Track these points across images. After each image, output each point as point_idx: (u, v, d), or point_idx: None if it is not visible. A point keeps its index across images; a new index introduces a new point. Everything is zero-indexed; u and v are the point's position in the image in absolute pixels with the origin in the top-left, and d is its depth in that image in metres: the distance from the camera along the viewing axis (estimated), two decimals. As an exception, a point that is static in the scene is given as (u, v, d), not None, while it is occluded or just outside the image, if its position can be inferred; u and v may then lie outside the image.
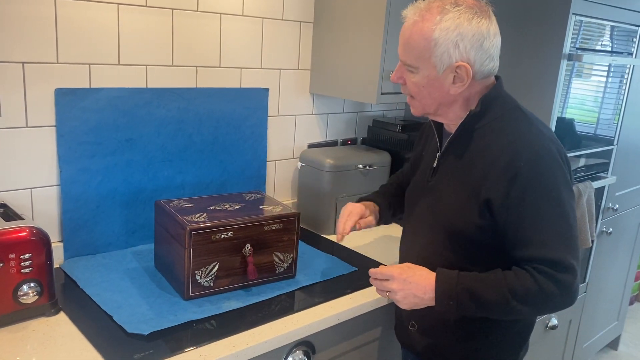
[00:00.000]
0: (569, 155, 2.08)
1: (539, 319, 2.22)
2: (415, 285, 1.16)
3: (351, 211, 1.43)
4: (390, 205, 1.49)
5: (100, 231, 1.55)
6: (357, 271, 1.57)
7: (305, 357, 1.31)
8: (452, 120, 1.21)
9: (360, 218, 1.42)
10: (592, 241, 2.32)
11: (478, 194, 1.13)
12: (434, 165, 1.25)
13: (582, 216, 2.12)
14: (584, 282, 2.50)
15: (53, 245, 1.46)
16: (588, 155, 2.22)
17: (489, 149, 1.14)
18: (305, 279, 1.49)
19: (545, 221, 1.09)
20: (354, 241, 1.81)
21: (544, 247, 1.09)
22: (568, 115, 2.07)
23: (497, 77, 1.20)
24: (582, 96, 2.13)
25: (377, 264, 1.63)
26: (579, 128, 2.17)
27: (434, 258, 1.20)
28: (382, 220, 1.48)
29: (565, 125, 2.05)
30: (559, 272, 1.08)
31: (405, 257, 1.35)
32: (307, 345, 1.32)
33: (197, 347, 1.15)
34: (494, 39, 1.12)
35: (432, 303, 1.14)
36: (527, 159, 1.09)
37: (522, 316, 1.19)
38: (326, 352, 1.39)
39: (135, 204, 1.61)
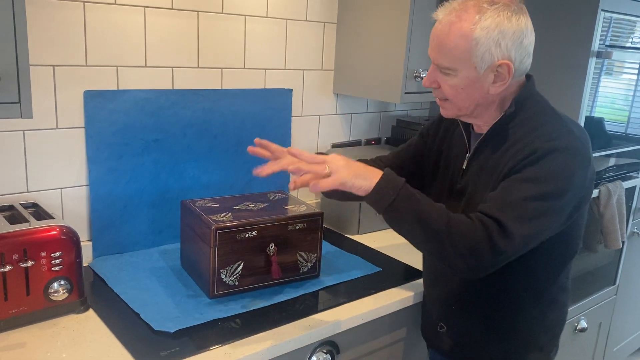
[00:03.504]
0: (598, 154, 2.05)
1: (568, 321, 2.18)
2: (358, 164, 1.10)
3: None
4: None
5: (127, 230, 1.58)
6: (382, 271, 1.56)
7: (329, 357, 1.31)
8: (486, 122, 1.19)
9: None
10: (623, 242, 2.27)
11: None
12: (464, 167, 1.23)
13: (611, 217, 2.08)
14: (614, 284, 2.45)
15: (82, 244, 1.50)
16: (618, 155, 2.18)
17: (516, 143, 1.12)
18: (329, 279, 1.49)
19: (517, 193, 1.05)
20: (378, 241, 1.80)
21: (495, 204, 1.06)
22: (597, 114, 2.04)
23: (527, 76, 1.18)
24: (612, 94, 2.09)
25: (401, 265, 1.62)
26: (608, 127, 2.13)
27: None
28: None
29: (594, 124, 2.01)
30: (497, 230, 1.03)
31: (429, 261, 1.33)
32: (331, 345, 1.32)
33: (222, 345, 1.16)
34: (531, 36, 1.11)
35: (371, 183, 1.07)
36: (546, 147, 1.07)
37: (440, 253, 1.08)
38: (350, 352, 1.39)
39: (162, 203, 1.63)
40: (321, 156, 1.10)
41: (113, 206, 1.54)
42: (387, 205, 1.08)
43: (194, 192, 1.67)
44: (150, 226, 1.62)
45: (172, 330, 1.19)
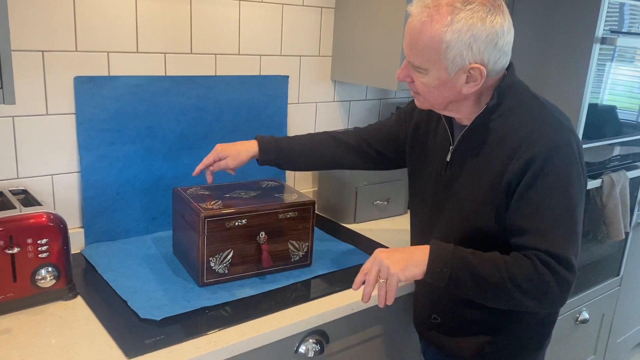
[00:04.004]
0: (602, 144, 2.00)
1: (568, 312, 2.15)
2: (402, 250, 1.11)
3: (214, 151, 1.42)
4: (278, 153, 1.43)
5: (120, 217, 1.57)
6: (375, 261, 1.54)
7: (318, 346, 1.30)
8: (464, 115, 1.16)
9: (220, 160, 1.42)
10: (627, 233, 2.23)
11: (497, 187, 1.09)
12: (448, 160, 1.20)
13: (614, 207, 2.04)
14: (617, 275, 2.41)
15: (74, 231, 1.50)
16: (622, 144, 2.13)
17: (506, 141, 1.10)
18: (321, 267, 1.48)
19: (551, 211, 1.04)
20: (374, 230, 1.78)
21: (546, 238, 1.04)
22: (609, 102, 1.99)
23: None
24: (625, 82, 2.04)
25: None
26: (621, 115, 2.08)
27: None
28: (259, 162, 1.44)
29: (600, 112, 1.97)
30: (560, 267, 1.03)
31: None
32: (320, 334, 1.31)
33: (208, 334, 1.15)
34: (507, 36, 1.06)
35: (423, 268, 1.08)
36: (544, 147, 1.05)
37: (512, 305, 1.09)
38: (340, 342, 1.38)
39: (156, 191, 1.62)
40: (365, 266, 1.12)
41: (105, 193, 1.54)
42: (446, 283, 1.07)
43: (187, 180, 1.66)
44: (143, 213, 1.61)
45: (159, 318, 1.19)
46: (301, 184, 1.96)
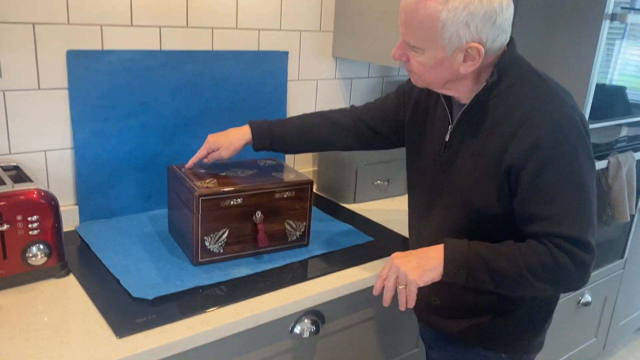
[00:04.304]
0: (609, 124, 1.96)
1: (571, 295, 2.13)
2: (417, 254, 1.10)
3: (206, 143, 1.41)
4: (273, 137, 1.40)
5: (115, 195, 1.55)
6: (373, 242, 1.52)
7: (313, 327, 1.28)
8: (462, 94, 1.12)
9: (213, 151, 1.40)
10: (632, 215, 2.19)
11: (498, 167, 1.06)
12: (446, 139, 1.17)
13: (620, 189, 2.00)
14: (622, 258, 2.38)
15: (68, 208, 1.48)
16: (630, 125, 2.08)
17: (507, 119, 1.06)
18: (318, 247, 1.45)
19: (564, 195, 1.01)
20: (373, 211, 1.75)
21: (561, 223, 1.01)
22: (619, 82, 1.94)
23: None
24: (633, 62, 1.98)
25: (395, 235, 1.58)
26: (632, 96, 2.03)
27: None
28: (254, 148, 1.42)
29: (608, 92, 1.92)
30: (577, 249, 1.00)
31: (416, 239, 1.28)
32: (316, 314, 1.29)
33: (200, 313, 1.13)
34: (506, 12, 1.01)
35: (440, 271, 1.08)
36: (548, 129, 1.01)
37: (533, 293, 1.11)
38: (336, 322, 1.36)
39: (151, 168, 1.59)
40: (383, 272, 1.13)
41: (100, 170, 1.51)
42: (464, 281, 1.07)
43: (183, 157, 1.62)
44: (139, 191, 1.59)
45: (151, 297, 1.17)
46: (301, 164, 1.93)
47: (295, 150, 1.46)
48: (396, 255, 1.13)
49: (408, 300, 1.10)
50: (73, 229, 1.48)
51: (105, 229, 1.48)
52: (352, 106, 1.45)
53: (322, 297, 1.27)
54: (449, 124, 1.16)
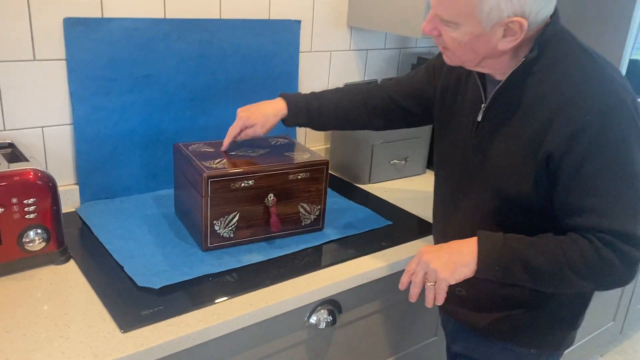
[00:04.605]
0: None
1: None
2: (448, 249, 1.01)
3: (234, 123, 1.30)
4: (309, 113, 1.30)
5: (118, 174, 1.46)
6: (392, 225, 1.43)
7: (330, 317, 1.20)
8: (498, 70, 1.01)
9: (245, 128, 1.30)
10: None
11: (536, 151, 0.96)
12: (479, 119, 1.07)
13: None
14: None
15: (69, 188, 1.40)
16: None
17: (548, 99, 0.95)
18: (333, 232, 1.37)
19: (612, 186, 0.91)
20: (390, 192, 1.66)
21: (608, 216, 0.92)
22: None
23: None
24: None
25: (414, 218, 1.49)
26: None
27: (480, 229, 1.03)
28: (286, 124, 1.32)
29: None
30: (626, 245, 0.91)
31: (442, 227, 1.19)
32: (332, 304, 1.22)
33: (211, 304, 1.05)
34: None
35: (473, 267, 0.99)
36: (596, 112, 0.91)
37: (572, 290, 1.03)
38: (354, 312, 1.28)
39: (156, 145, 1.50)
40: (410, 266, 1.05)
41: (101, 147, 1.42)
42: (499, 278, 0.99)
43: (190, 135, 1.53)
44: (143, 170, 1.50)
45: (157, 287, 1.09)
46: (312, 141, 1.83)
47: (324, 128, 1.37)
48: (425, 249, 1.04)
49: (437, 297, 1.01)
50: (73, 210, 1.40)
51: (108, 210, 1.40)
52: (383, 82, 1.34)
53: (340, 286, 1.19)
54: (482, 102, 1.06)
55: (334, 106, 1.31)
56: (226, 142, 1.31)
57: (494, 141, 1.03)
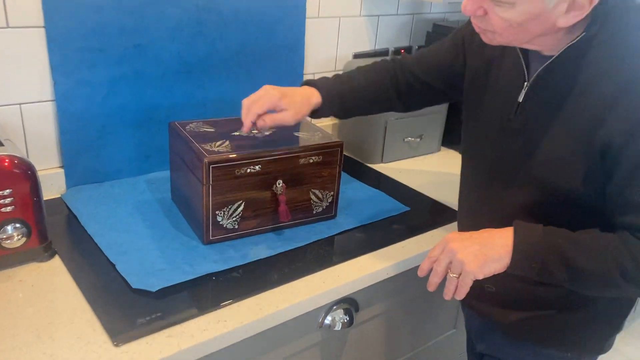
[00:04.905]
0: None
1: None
2: (479, 239, 0.88)
3: (260, 98, 1.05)
4: (342, 101, 1.14)
5: (107, 155, 1.32)
6: (410, 212, 1.31)
7: (347, 317, 1.09)
8: (549, 47, 0.87)
9: (277, 110, 1.07)
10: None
11: (590, 142, 0.82)
12: (520, 100, 0.93)
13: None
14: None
15: (52, 171, 1.26)
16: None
17: (605, 81, 0.81)
18: (347, 220, 1.24)
19: None
20: (404, 172, 1.53)
21: None
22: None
23: None
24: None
25: (433, 203, 1.36)
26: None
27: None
28: (316, 115, 1.14)
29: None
30: None
31: (469, 216, 1.07)
32: (349, 302, 1.10)
33: (216, 309, 0.93)
34: None
35: (506, 262, 0.87)
36: None
37: (619, 295, 0.92)
38: (372, 308, 1.17)
39: (149, 124, 1.35)
40: (434, 252, 0.92)
41: (88, 126, 1.27)
42: (534, 276, 0.87)
43: (187, 111, 1.39)
44: (135, 151, 1.36)
45: (155, 289, 0.96)
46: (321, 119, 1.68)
47: (350, 116, 1.23)
48: (452, 236, 0.91)
49: (458, 291, 0.89)
50: (58, 196, 1.26)
51: (97, 196, 1.26)
52: (403, 56, 1.19)
53: (358, 284, 1.07)
54: (525, 80, 0.92)
55: (363, 91, 1.16)
56: (247, 122, 1.06)
57: (539, 126, 0.90)
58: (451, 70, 1.09)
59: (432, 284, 0.92)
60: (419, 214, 1.31)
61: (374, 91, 1.17)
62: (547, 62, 0.87)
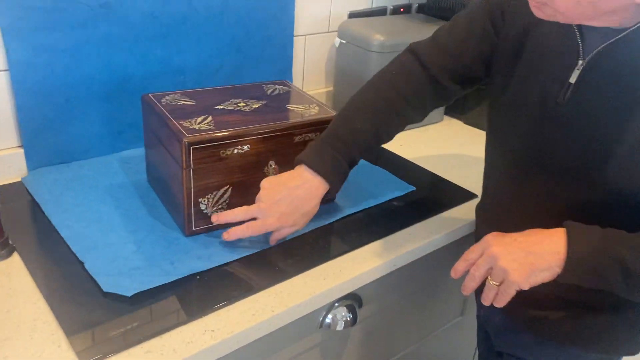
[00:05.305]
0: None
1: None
2: (525, 244, 0.76)
3: (269, 224, 0.92)
4: (352, 166, 0.97)
5: (74, 132, 1.16)
6: (415, 192, 1.18)
7: (349, 315, 0.97)
8: (617, 22, 0.73)
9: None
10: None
11: None
12: (571, 81, 0.78)
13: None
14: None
15: (11, 152, 1.12)
16: None
17: None
18: (348, 203, 1.11)
19: None
20: (406, 145, 1.40)
21: None
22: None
23: None
24: None
25: (441, 181, 1.23)
26: None
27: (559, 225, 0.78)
28: (331, 194, 0.98)
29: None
30: None
31: (499, 218, 0.93)
32: (352, 298, 0.98)
33: (202, 317, 0.80)
34: None
35: (556, 272, 0.75)
36: None
37: None
38: (377, 303, 1.06)
39: (121, 95, 1.19)
40: (472, 255, 0.80)
41: (50, 99, 1.11)
42: (589, 285, 0.75)
43: (163, 80, 1.23)
44: (105, 126, 1.20)
45: (130, 294, 0.83)
46: (311, 84, 1.53)
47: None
48: (494, 240, 0.79)
49: (498, 299, 0.78)
50: (19, 179, 1.11)
51: (63, 180, 1.11)
52: (412, 49, 1.01)
53: (362, 279, 0.95)
54: (578, 58, 0.78)
55: (373, 135, 0.98)
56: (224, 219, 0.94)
57: (596, 113, 0.76)
58: (480, 50, 0.92)
59: (468, 288, 0.80)
60: (426, 194, 1.18)
61: (385, 129, 0.99)
62: (613, 39, 0.73)
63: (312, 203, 0.94)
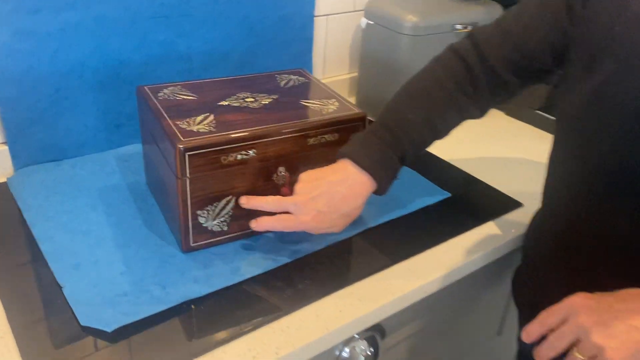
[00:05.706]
0: None
1: None
2: (625, 313, 0.59)
3: (301, 223, 0.80)
4: (403, 162, 0.85)
5: (65, 127, 1.04)
6: (451, 199, 1.02)
7: (370, 350, 0.83)
8: None
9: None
10: None
11: None
12: None
13: None
14: None
15: (-7, 150, 0.99)
16: None
17: None
18: (369, 213, 0.95)
19: None
20: (439, 143, 1.23)
21: None
22: None
23: None
24: None
25: (482, 186, 1.07)
26: None
27: None
28: (380, 192, 0.84)
29: None
30: None
31: (568, 250, 0.77)
32: (375, 329, 0.84)
33: (198, 357, 0.68)
34: None
35: None
36: None
37: None
38: (401, 332, 0.92)
39: (117, 85, 1.07)
40: (552, 319, 0.63)
41: (36, 90, 0.99)
42: None
43: (165, 68, 1.09)
44: (100, 119, 1.07)
45: (110, 329, 0.70)
46: (335, 69, 1.38)
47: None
48: (584, 305, 0.61)
49: None
50: (4, 180, 0.99)
51: (51, 181, 0.99)
52: (472, 38, 0.86)
53: (386, 309, 0.81)
54: None
55: (428, 127, 0.85)
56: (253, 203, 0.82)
57: None
58: (549, 41, 0.77)
59: (543, 358, 0.63)
60: (463, 202, 1.03)
61: (441, 122, 0.87)
62: None
63: (355, 203, 0.81)
